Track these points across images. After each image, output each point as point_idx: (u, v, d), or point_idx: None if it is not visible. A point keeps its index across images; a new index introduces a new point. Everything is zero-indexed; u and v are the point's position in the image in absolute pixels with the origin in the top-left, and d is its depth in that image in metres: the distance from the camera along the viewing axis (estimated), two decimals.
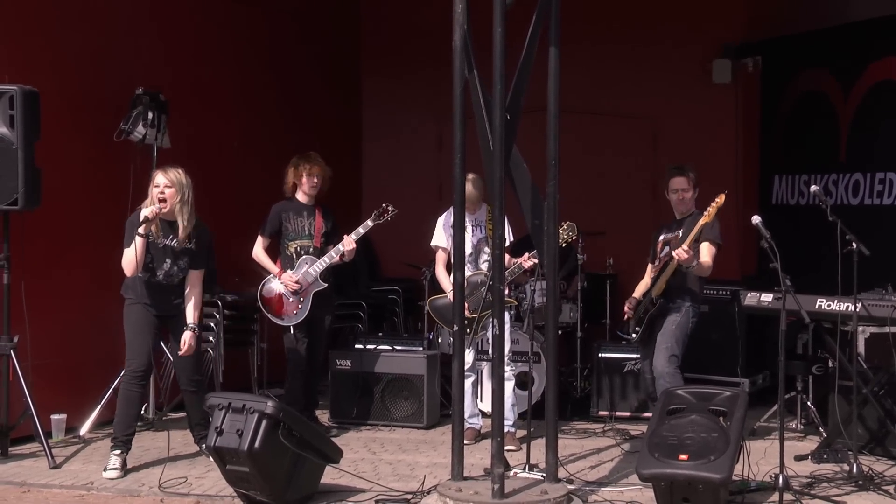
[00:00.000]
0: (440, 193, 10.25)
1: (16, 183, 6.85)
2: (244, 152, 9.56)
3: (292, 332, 7.77)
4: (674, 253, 6.93)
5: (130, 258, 6.61)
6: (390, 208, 7.67)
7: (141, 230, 6.57)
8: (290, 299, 7.74)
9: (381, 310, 10.30)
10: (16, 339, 7.06)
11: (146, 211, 6.63)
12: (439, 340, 8.49)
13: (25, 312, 7.16)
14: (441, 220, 7.75)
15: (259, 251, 7.85)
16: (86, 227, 7.81)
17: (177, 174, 6.75)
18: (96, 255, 7.52)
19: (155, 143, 7.92)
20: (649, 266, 7.46)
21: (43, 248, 7.57)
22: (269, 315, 7.84)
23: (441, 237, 7.71)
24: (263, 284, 7.85)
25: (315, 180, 7.78)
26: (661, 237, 7.37)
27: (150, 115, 7.81)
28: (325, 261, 7.73)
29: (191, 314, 6.83)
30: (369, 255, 10.54)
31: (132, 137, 7.83)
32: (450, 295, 7.19)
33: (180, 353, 6.83)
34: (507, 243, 7.14)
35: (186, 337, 6.79)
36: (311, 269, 7.72)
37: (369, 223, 7.68)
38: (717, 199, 6.84)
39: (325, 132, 10.44)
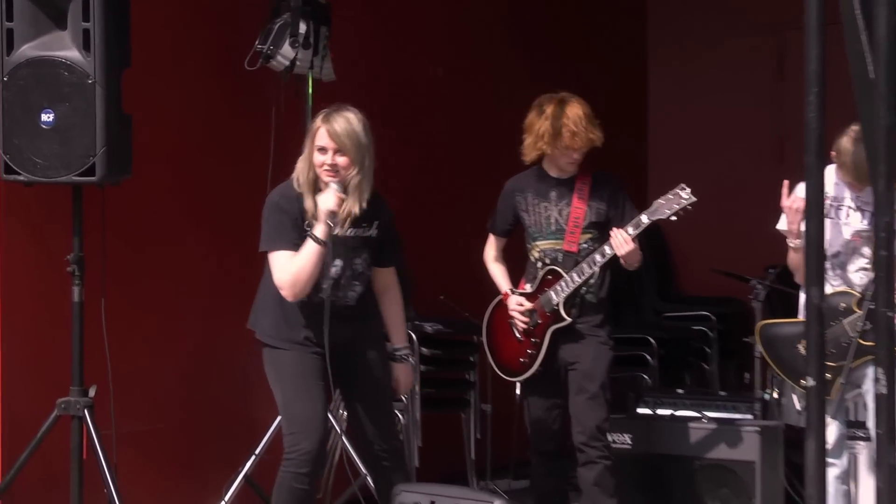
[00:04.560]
0: (780, 151, 10.33)
1: (92, 139, 6.77)
2: (453, 85, 9.81)
3: (518, 390, 7.84)
4: None
5: (302, 278, 6.34)
6: (685, 194, 7.30)
7: (320, 233, 6.35)
8: (520, 339, 7.53)
9: (681, 349, 10.38)
10: (92, 392, 7.06)
11: (327, 200, 6.38)
12: (783, 402, 8.24)
13: (106, 346, 7.03)
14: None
15: (488, 255, 7.77)
16: (201, 210, 8.04)
17: (347, 125, 6.50)
18: (217, 254, 7.89)
19: (310, 72, 7.96)
20: None
21: (133, 244, 7.67)
22: (492, 362, 7.80)
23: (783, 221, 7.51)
24: (493, 311, 7.74)
25: (577, 148, 7.43)
26: None
27: (303, 28, 7.82)
28: (573, 277, 7.40)
29: (399, 334, 6.88)
30: (659, 258, 10.75)
31: (273, 65, 7.89)
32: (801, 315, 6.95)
33: (398, 393, 6.97)
34: None
35: (400, 372, 6.81)
36: (552, 290, 7.43)
37: (645, 220, 7.29)
38: None
39: (585, 55, 10.73)
